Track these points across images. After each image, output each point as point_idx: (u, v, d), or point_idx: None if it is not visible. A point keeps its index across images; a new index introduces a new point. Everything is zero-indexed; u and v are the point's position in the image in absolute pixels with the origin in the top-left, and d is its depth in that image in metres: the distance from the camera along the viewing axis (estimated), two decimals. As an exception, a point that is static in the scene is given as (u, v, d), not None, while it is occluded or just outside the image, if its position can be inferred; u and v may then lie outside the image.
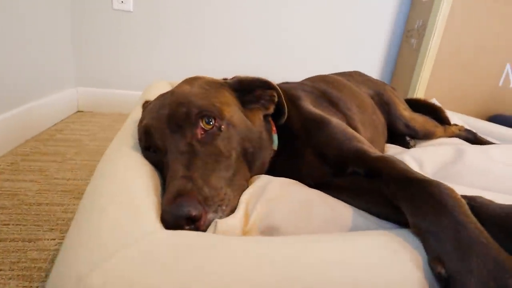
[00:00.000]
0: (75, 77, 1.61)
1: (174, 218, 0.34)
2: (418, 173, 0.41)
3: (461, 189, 0.56)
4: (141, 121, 0.52)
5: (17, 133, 1.10)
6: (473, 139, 1.13)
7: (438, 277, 0.29)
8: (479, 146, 0.91)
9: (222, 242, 0.28)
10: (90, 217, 0.31)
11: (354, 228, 0.41)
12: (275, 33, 1.72)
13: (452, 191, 0.35)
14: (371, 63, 1.89)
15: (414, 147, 1.04)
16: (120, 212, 0.31)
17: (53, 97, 1.38)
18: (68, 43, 1.52)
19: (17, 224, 0.68)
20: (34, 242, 0.64)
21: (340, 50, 1.83)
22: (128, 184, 0.37)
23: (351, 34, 1.81)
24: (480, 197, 0.39)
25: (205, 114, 0.46)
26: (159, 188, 0.42)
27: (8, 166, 0.94)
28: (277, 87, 0.58)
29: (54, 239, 0.65)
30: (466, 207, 0.33)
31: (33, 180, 0.87)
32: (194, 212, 0.34)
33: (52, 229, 0.68)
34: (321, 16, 1.74)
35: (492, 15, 1.70)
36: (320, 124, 0.60)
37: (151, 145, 0.47)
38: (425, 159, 0.81)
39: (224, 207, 0.39)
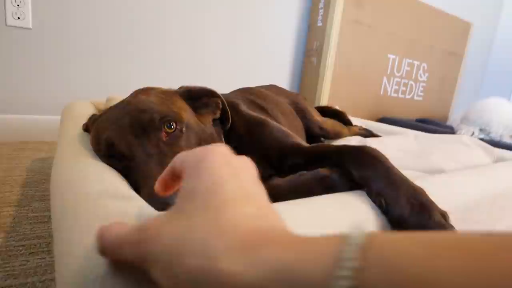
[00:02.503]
0: (-37, 104, 1.39)
1: (162, 205, 0.37)
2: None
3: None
4: (97, 133, 0.52)
5: None
6: (370, 135, 1.37)
7: (380, 206, 0.42)
8: (376, 138, 1.14)
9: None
10: (81, 210, 0.33)
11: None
12: (195, 54, 1.79)
13: (378, 151, 0.48)
14: (281, 82, 2.11)
15: (328, 146, 1.22)
16: (122, 203, 0.34)
17: None
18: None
19: None
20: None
21: (253, 72, 2.01)
22: (111, 182, 0.39)
23: (260, 57, 2.01)
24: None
25: (168, 119, 0.50)
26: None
27: None
28: (221, 96, 0.65)
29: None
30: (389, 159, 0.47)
31: None
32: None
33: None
34: (234, 42, 1.89)
35: (369, 39, 2.10)
36: (260, 125, 0.69)
37: (115, 154, 0.49)
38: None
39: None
